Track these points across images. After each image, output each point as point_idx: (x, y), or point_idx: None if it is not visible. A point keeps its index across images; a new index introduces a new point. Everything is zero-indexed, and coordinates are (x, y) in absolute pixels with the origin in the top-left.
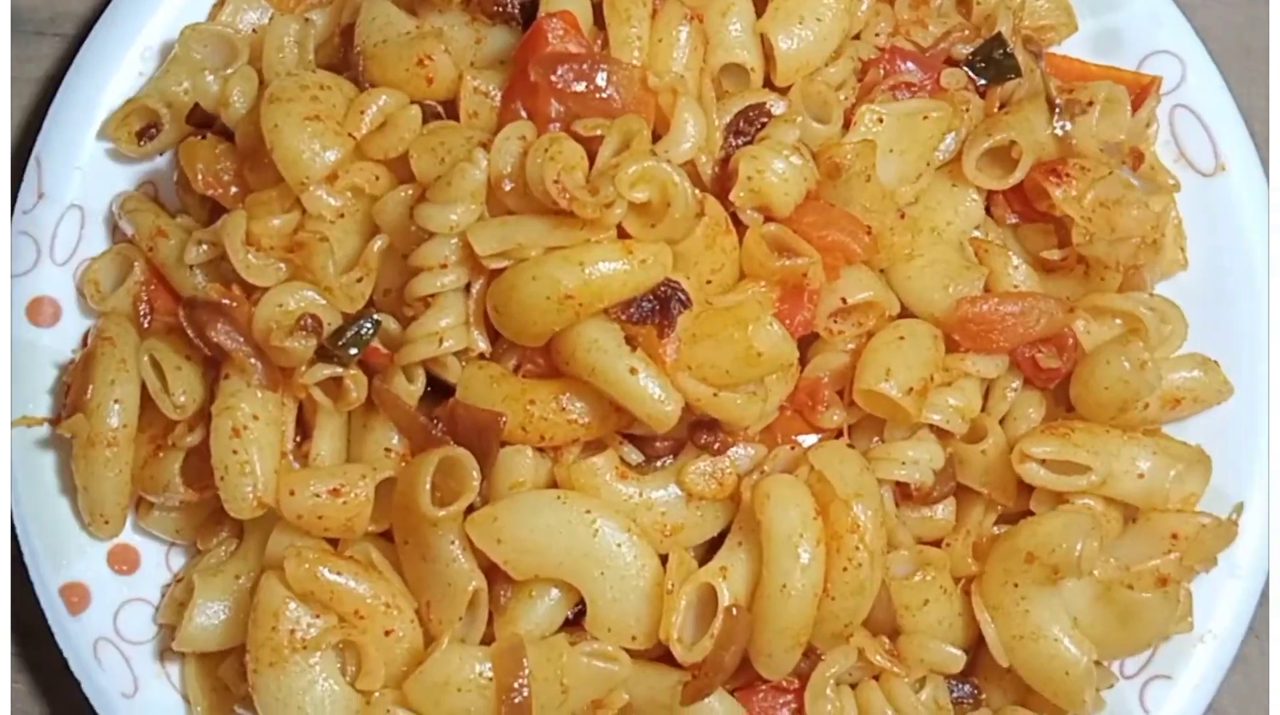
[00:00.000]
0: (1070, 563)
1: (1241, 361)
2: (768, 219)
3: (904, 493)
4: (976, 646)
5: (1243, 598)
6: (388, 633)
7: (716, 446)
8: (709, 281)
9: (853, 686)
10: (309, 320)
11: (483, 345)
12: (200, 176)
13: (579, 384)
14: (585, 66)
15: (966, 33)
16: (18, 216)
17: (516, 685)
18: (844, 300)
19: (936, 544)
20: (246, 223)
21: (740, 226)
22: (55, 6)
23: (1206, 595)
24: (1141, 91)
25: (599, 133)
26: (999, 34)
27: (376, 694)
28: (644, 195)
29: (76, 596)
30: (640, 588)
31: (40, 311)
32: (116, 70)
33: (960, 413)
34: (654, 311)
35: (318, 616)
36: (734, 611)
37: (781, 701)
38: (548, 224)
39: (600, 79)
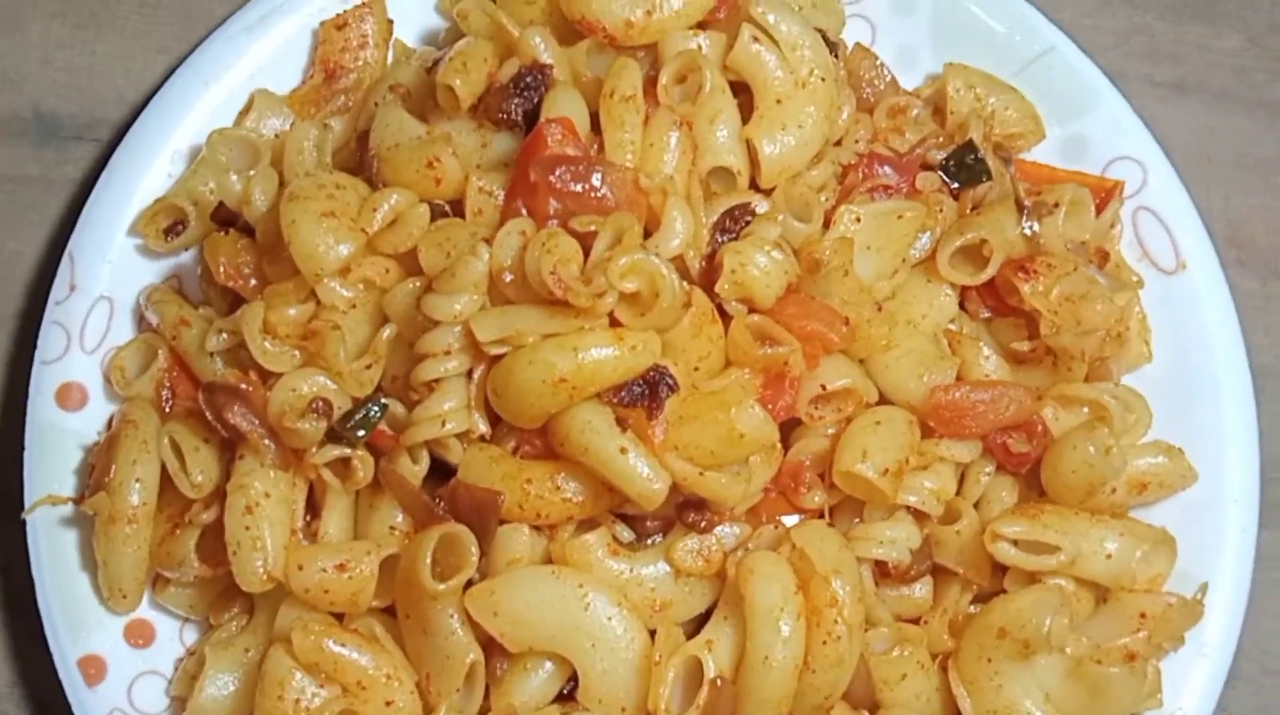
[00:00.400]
0: (1040, 638)
1: (1205, 449)
2: (751, 310)
3: (882, 571)
4: None
5: (1211, 676)
6: (388, 703)
7: (703, 525)
8: (696, 368)
9: None
10: (320, 404)
11: (483, 427)
12: (222, 269)
13: (573, 465)
14: (582, 168)
15: (940, 139)
16: (50, 307)
17: None
18: (823, 387)
19: (915, 622)
20: (264, 312)
21: (725, 317)
22: (93, 113)
23: (1176, 674)
24: (1106, 195)
25: (593, 229)
26: (970, 141)
27: None
28: (634, 286)
29: (93, 669)
30: (630, 660)
31: (69, 397)
32: (147, 172)
33: (935, 495)
34: (643, 395)
35: (322, 687)
36: (719, 683)
37: None
38: (544, 313)
39: (596, 179)
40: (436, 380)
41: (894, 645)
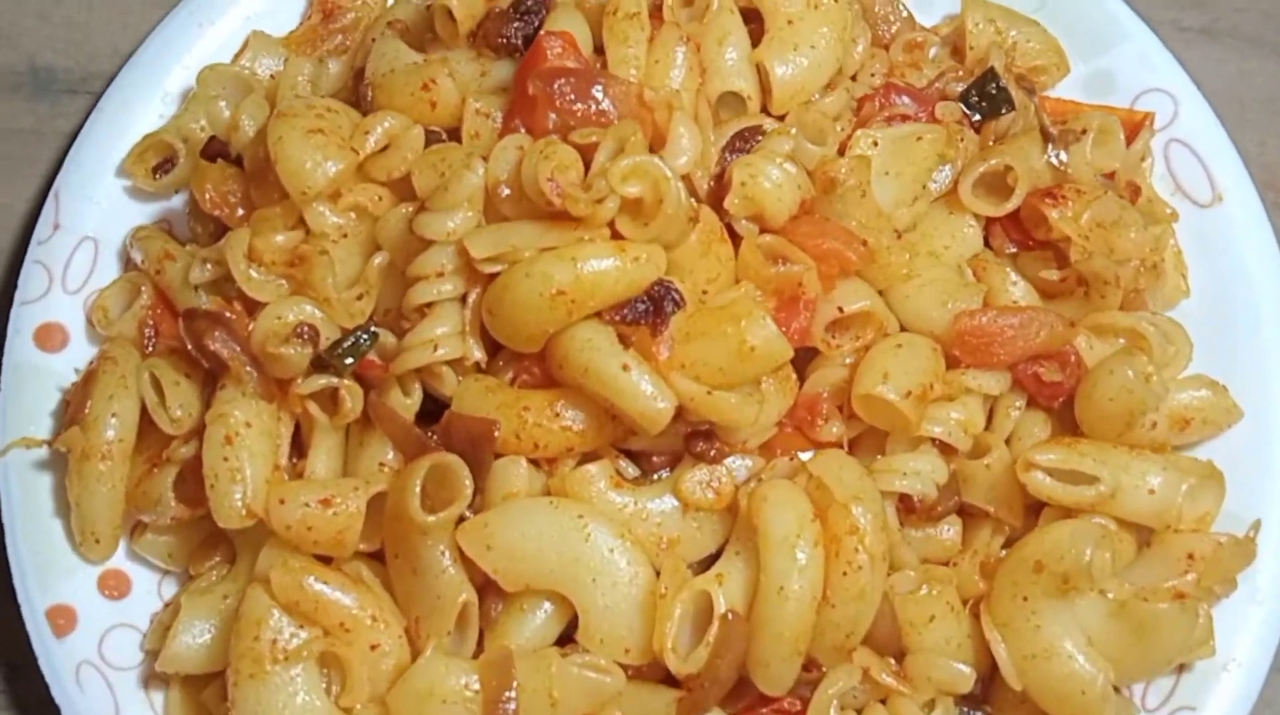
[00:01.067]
0: (1080, 569)
1: (1249, 387)
2: (763, 230)
3: (907, 508)
4: (989, 676)
5: (1266, 624)
6: (373, 647)
7: (713, 455)
8: (705, 290)
9: (858, 712)
10: (306, 329)
11: (478, 354)
12: (208, 197)
13: (573, 392)
14: (583, 80)
15: (960, 74)
16: (32, 247)
17: (504, 698)
18: (840, 309)
19: (943, 566)
20: (250, 239)
21: (736, 239)
22: (87, 67)
23: (1229, 623)
24: (1135, 127)
25: (594, 140)
26: (992, 68)
27: (359, 708)
28: (636, 190)
29: (63, 619)
30: (633, 596)
31: (49, 337)
32: (139, 114)
33: (963, 426)
34: (647, 312)
35: (301, 628)
36: (729, 618)
37: None
38: (542, 227)
39: (597, 92)
40: (429, 305)
41: (920, 585)
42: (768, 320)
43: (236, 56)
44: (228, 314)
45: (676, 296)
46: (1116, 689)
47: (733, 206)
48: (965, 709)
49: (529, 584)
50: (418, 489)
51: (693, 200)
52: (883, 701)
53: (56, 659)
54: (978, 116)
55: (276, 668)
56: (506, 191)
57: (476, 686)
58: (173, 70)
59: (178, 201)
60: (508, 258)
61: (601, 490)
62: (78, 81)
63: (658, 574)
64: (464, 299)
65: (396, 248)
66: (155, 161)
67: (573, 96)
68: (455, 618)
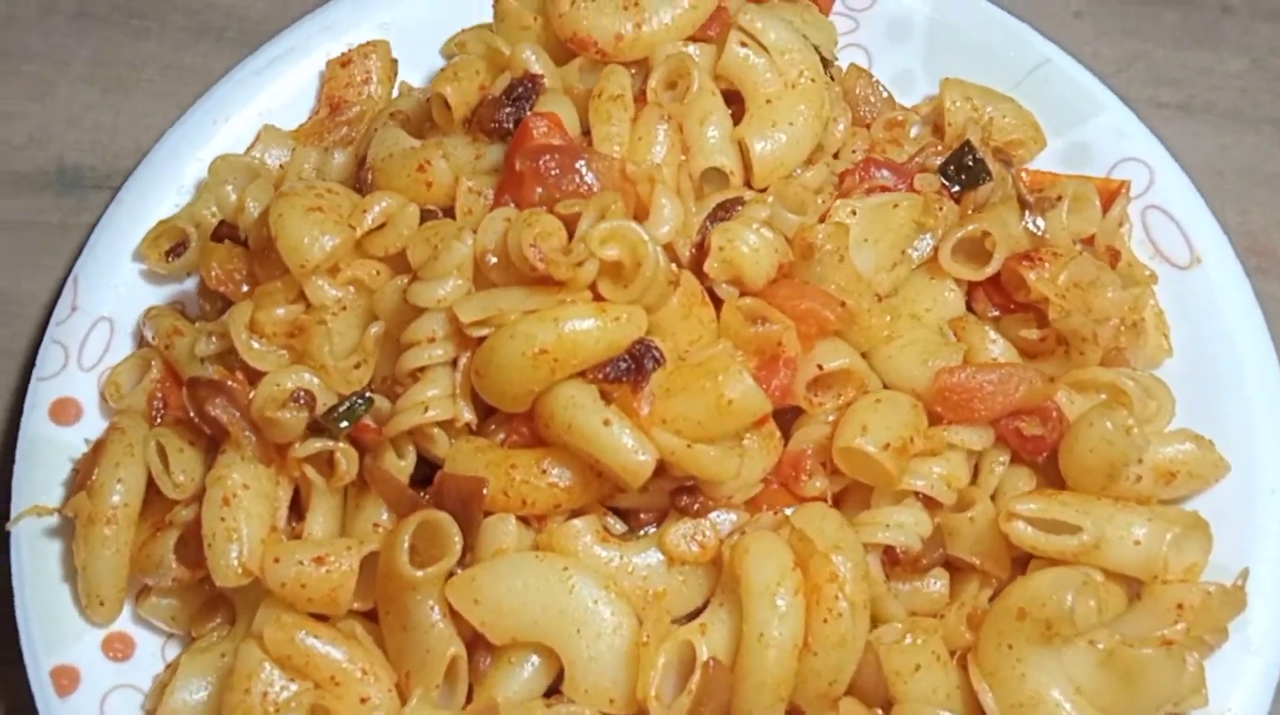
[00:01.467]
0: (1062, 616)
1: (1234, 442)
2: (743, 294)
3: (892, 560)
4: None
5: (1261, 674)
6: (363, 701)
7: (696, 509)
8: (686, 352)
9: None
10: (303, 395)
11: (468, 415)
12: (214, 273)
13: (560, 451)
14: (567, 156)
15: (939, 149)
16: (51, 327)
17: None
18: (820, 367)
19: (930, 618)
20: (252, 312)
21: (718, 303)
22: (112, 165)
23: (1224, 674)
24: (1111, 195)
25: (577, 210)
26: (968, 141)
27: None
28: (614, 253)
29: (66, 679)
30: (618, 647)
31: (63, 412)
32: (155, 203)
33: (946, 480)
34: (629, 370)
35: (293, 681)
36: (711, 666)
37: None
38: (527, 292)
39: (581, 167)
40: (422, 370)
41: (905, 635)
42: (744, 374)
43: (248, 149)
44: (229, 383)
45: (657, 354)
46: None
47: (712, 270)
48: None
49: (515, 637)
50: (406, 544)
51: (674, 265)
52: None
53: None
54: (956, 188)
55: None
56: (494, 260)
57: None
58: (188, 163)
59: (190, 284)
60: (494, 321)
61: (587, 544)
62: (102, 178)
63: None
64: (454, 363)
65: (391, 317)
66: (168, 246)
67: (557, 171)
68: (444, 671)
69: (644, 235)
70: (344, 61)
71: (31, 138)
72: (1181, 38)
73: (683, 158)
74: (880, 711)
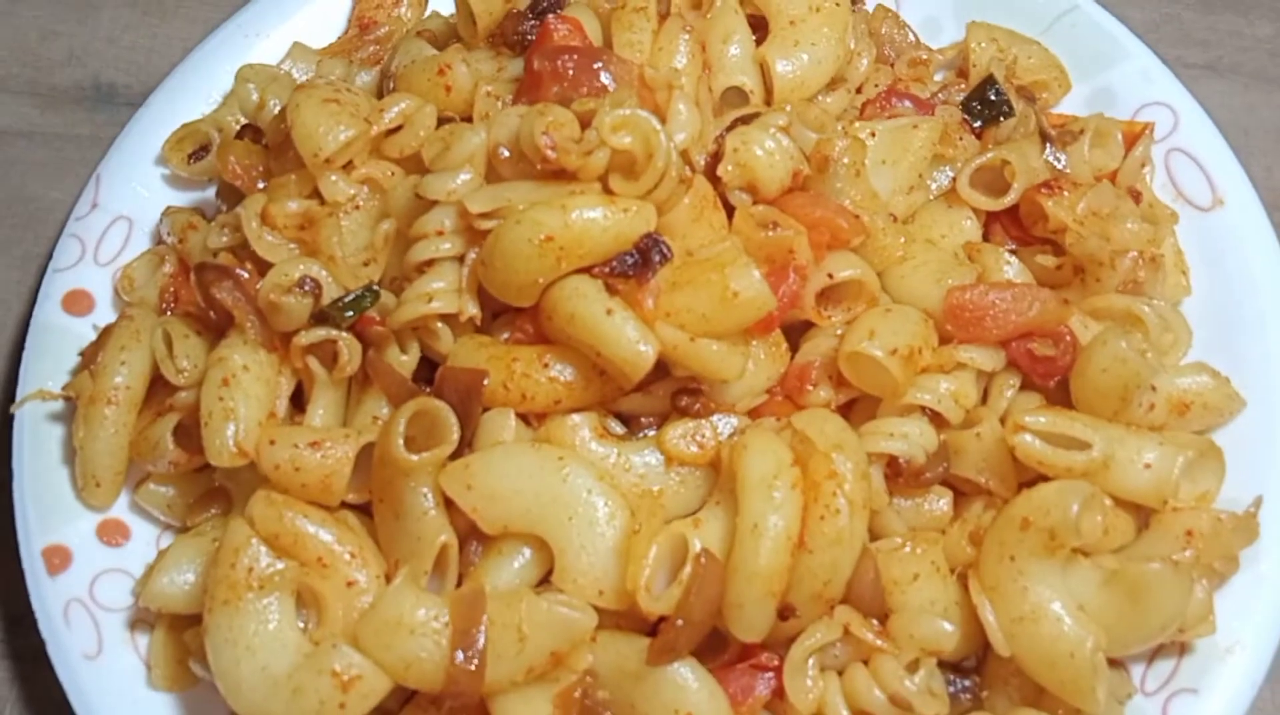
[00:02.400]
0: (1067, 525)
1: (1252, 381)
2: (756, 202)
3: (895, 472)
4: (981, 655)
5: (1273, 608)
6: (350, 584)
7: (697, 409)
8: (695, 252)
9: (839, 673)
10: (309, 282)
11: (472, 309)
12: (231, 167)
13: (563, 348)
14: (585, 58)
15: (963, 87)
16: (70, 222)
17: (473, 632)
18: (830, 276)
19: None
20: (265, 204)
21: (730, 212)
22: (147, 84)
23: (1234, 607)
24: (1135, 137)
25: (592, 108)
26: (991, 75)
27: (327, 638)
28: (627, 141)
29: (58, 558)
30: (609, 538)
31: (75, 303)
32: (181, 110)
33: (954, 397)
34: (635, 265)
35: (280, 560)
36: (703, 559)
37: (760, 681)
38: (538, 184)
39: (599, 67)
40: (430, 264)
41: (905, 544)
42: (752, 267)
43: (278, 64)
44: (239, 270)
45: (665, 249)
46: (1114, 664)
47: (725, 173)
48: (952, 677)
49: (507, 525)
50: (402, 429)
51: (687, 168)
52: (865, 663)
53: (47, 595)
54: (978, 123)
55: (250, 595)
56: (505, 153)
57: (446, 619)
58: (218, 75)
59: (211, 192)
60: (503, 213)
61: (584, 439)
62: (136, 96)
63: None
64: (462, 260)
65: (403, 216)
66: (191, 149)
67: (575, 71)
68: (434, 558)
69: (656, 124)
70: None
71: (71, 55)
72: (1212, 2)
73: (701, 72)
74: (876, 622)
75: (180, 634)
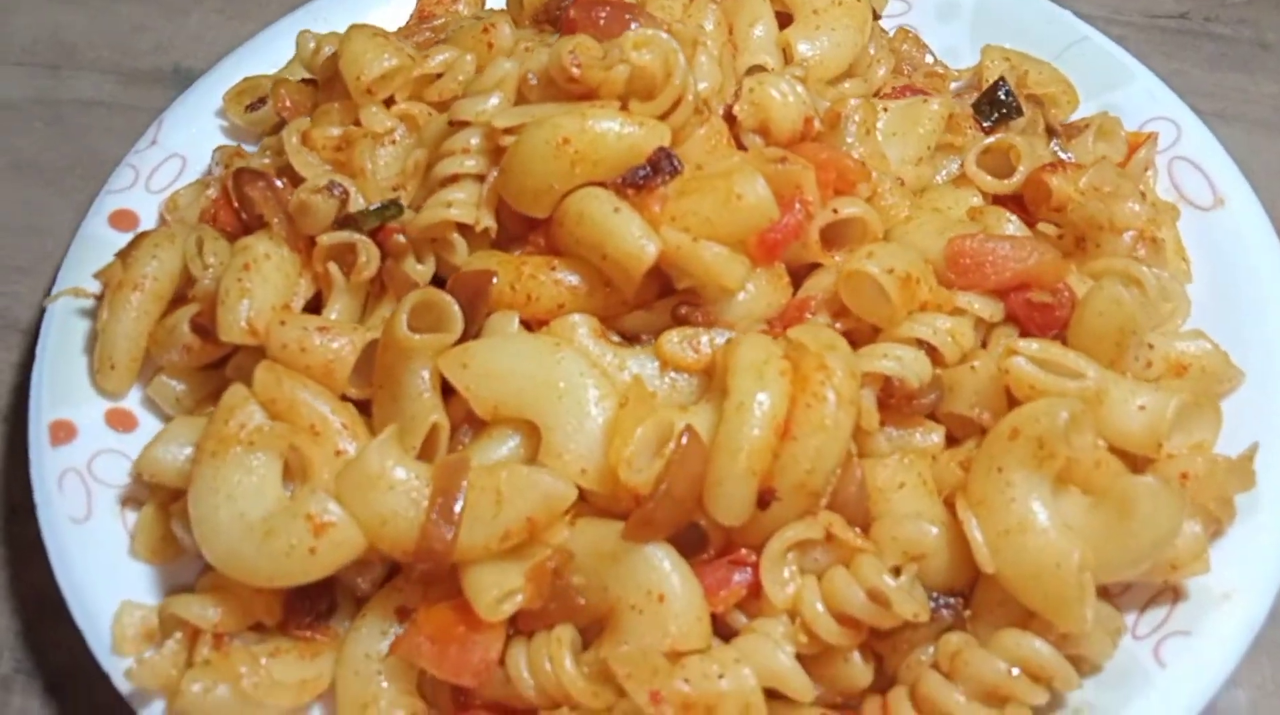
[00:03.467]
0: (1056, 433)
1: (1253, 359)
2: (769, 144)
3: (887, 393)
4: (969, 587)
5: (1270, 555)
6: (338, 453)
7: (697, 318)
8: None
9: (819, 577)
10: (337, 186)
11: (488, 221)
12: (282, 99)
13: (571, 258)
14: (619, 10)
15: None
16: (128, 155)
17: (452, 492)
18: (835, 211)
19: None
20: (308, 127)
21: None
22: None
23: (1232, 555)
24: (1139, 145)
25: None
26: (1002, 78)
27: (308, 491)
28: (648, 57)
29: (63, 432)
30: (597, 420)
31: (121, 220)
32: (246, 74)
33: (950, 334)
34: (647, 177)
35: (273, 423)
36: (687, 435)
37: (736, 574)
38: (562, 104)
39: (629, 18)
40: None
41: (892, 453)
42: (758, 176)
43: None
44: (274, 178)
45: (675, 162)
46: (1105, 598)
47: (741, 112)
48: (937, 595)
49: (498, 406)
50: (406, 314)
51: (705, 101)
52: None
53: (46, 463)
54: (988, 123)
55: (239, 449)
56: (534, 80)
57: (426, 483)
58: (285, 50)
59: None
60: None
61: (583, 336)
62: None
63: None
64: (483, 180)
65: (434, 146)
66: (250, 101)
67: (607, 22)
68: (424, 434)
69: (675, 45)
70: None
71: (157, 45)
72: (1219, 63)
73: (726, 39)
74: (859, 531)
75: (167, 512)
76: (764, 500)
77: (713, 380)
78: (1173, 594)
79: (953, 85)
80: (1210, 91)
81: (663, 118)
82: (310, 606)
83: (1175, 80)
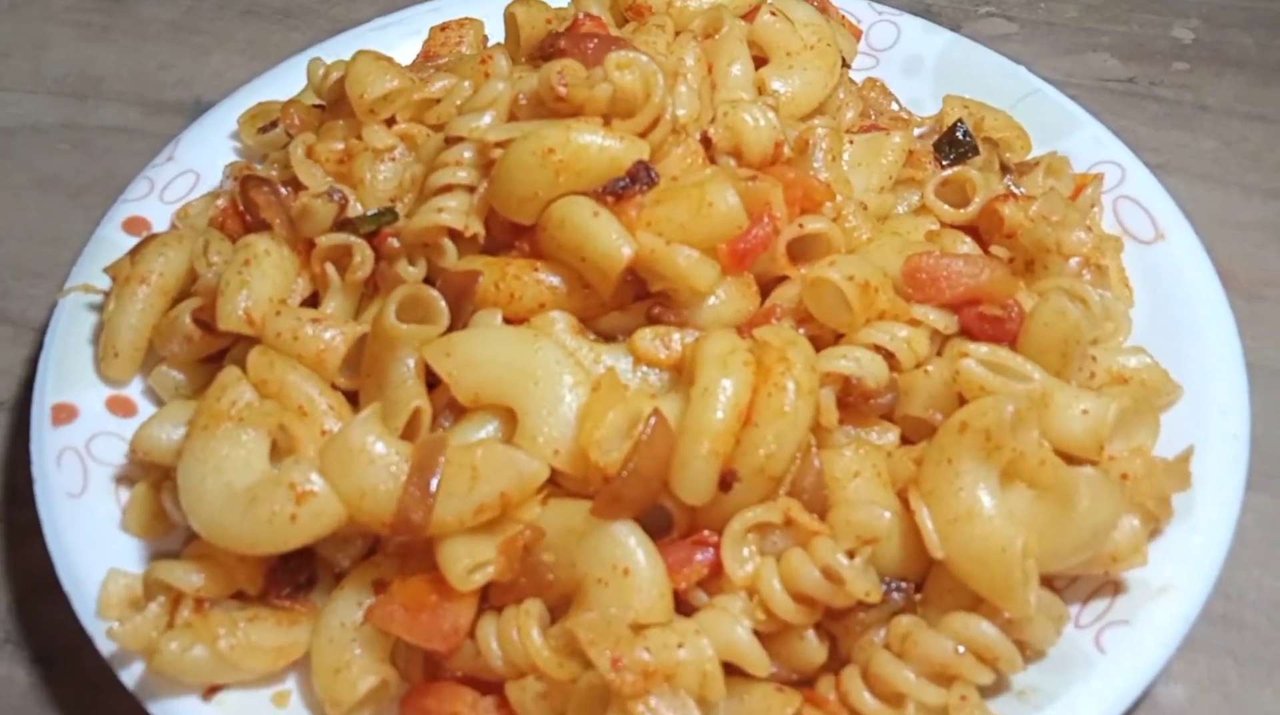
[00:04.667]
0: (1002, 425)
1: (1190, 374)
2: (741, 167)
3: (845, 392)
4: (921, 577)
5: (1205, 551)
6: (324, 432)
7: (669, 319)
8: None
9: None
10: (337, 193)
11: (477, 227)
12: (290, 116)
13: (553, 263)
14: (605, 42)
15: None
16: (145, 169)
17: (430, 470)
18: (801, 226)
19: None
20: (313, 141)
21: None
22: None
23: (1169, 552)
24: (1086, 183)
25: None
26: (960, 120)
27: (291, 461)
28: (629, 77)
29: (64, 413)
30: (571, 406)
31: (135, 226)
32: (260, 98)
33: (907, 343)
34: (626, 187)
35: (264, 403)
36: (654, 419)
37: (699, 553)
38: (549, 122)
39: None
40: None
41: (848, 445)
42: (729, 186)
43: None
44: (281, 187)
45: (652, 174)
46: (1049, 584)
47: (715, 135)
48: (889, 580)
49: (478, 393)
50: (395, 305)
51: (684, 126)
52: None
53: (45, 441)
54: (947, 162)
55: (229, 425)
56: (524, 100)
57: (405, 459)
58: (299, 82)
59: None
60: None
61: (561, 331)
62: None
63: None
64: (474, 191)
65: (430, 162)
66: (262, 124)
67: (595, 51)
68: (407, 417)
69: (654, 67)
70: (443, 27)
71: (180, 80)
72: (1162, 122)
73: (705, 75)
74: (817, 517)
75: (159, 490)
76: (726, 482)
77: (682, 374)
78: (1113, 587)
79: (916, 131)
80: (1154, 147)
81: (642, 135)
82: (290, 577)
83: (1122, 136)
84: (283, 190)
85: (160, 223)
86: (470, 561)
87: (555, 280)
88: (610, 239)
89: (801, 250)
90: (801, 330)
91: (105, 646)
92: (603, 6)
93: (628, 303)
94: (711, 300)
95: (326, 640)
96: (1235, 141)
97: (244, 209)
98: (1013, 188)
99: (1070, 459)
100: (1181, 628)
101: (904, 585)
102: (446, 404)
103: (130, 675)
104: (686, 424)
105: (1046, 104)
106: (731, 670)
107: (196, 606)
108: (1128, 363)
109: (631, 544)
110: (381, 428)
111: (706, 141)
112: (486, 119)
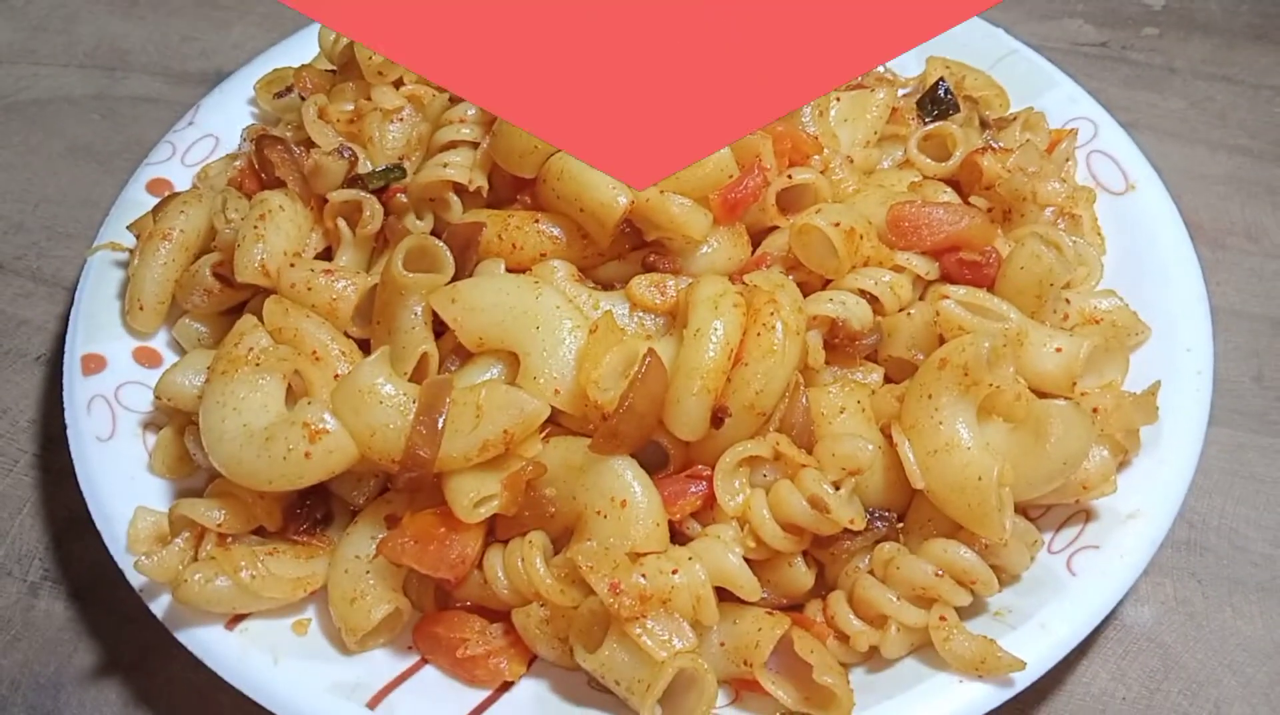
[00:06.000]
0: (979, 360)
1: (1157, 316)
2: None
3: (831, 337)
4: (904, 509)
5: (1169, 482)
6: (337, 376)
7: (664, 266)
8: None
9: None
10: (347, 149)
11: (481, 180)
12: (303, 80)
13: (554, 215)
14: None
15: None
16: (167, 133)
17: (436, 409)
18: (790, 177)
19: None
20: (324, 103)
21: None
22: None
23: (1137, 482)
24: (1060, 137)
25: None
26: (941, 79)
27: (306, 402)
28: None
29: (94, 363)
30: (570, 347)
31: (157, 187)
32: (274, 65)
33: (891, 287)
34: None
35: (278, 346)
36: (649, 357)
37: (692, 486)
38: None
39: None
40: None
41: (834, 383)
42: (724, 149)
43: None
44: (294, 147)
45: None
46: (1024, 514)
47: None
48: (873, 510)
49: (483, 337)
50: (403, 255)
51: None
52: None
53: (76, 390)
54: (929, 119)
55: (247, 369)
56: None
57: (413, 400)
58: (311, 52)
59: None
60: None
61: (561, 278)
62: None
63: None
64: (477, 147)
65: (437, 120)
66: (278, 89)
67: None
68: (415, 361)
69: None
70: None
71: (202, 52)
72: (1133, 83)
73: None
74: (804, 451)
75: (183, 434)
76: (718, 418)
77: (676, 318)
78: (1084, 515)
79: (900, 91)
80: (1125, 106)
81: None
82: (308, 514)
83: (1096, 96)
84: (296, 150)
85: (182, 184)
86: (476, 495)
87: (555, 231)
88: (607, 189)
89: (790, 202)
90: (790, 276)
91: (135, 579)
92: None
93: (625, 252)
94: (705, 249)
95: (342, 572)
96: (1202, 101)
97: (259, 167)
98: (991, 142)
99: (1044, 394)
100: (1148, 552)
101: (887, 514)
102: (453, 349)
103: (159, 606)
104: (680, 363)
105: (1023, 64)
106: (724, 595)
107: (219, 541)
108: (1099, 305)
109: (628, 477)
110: (389, 370)
111: None
112: None
